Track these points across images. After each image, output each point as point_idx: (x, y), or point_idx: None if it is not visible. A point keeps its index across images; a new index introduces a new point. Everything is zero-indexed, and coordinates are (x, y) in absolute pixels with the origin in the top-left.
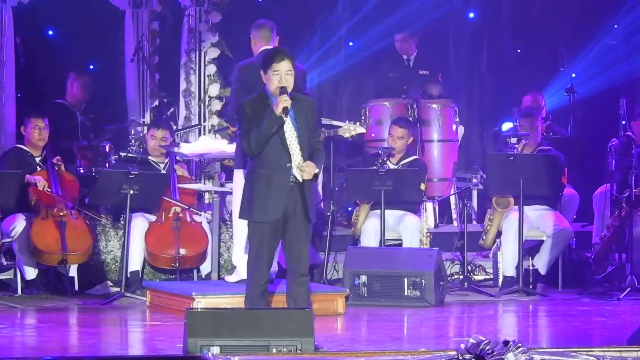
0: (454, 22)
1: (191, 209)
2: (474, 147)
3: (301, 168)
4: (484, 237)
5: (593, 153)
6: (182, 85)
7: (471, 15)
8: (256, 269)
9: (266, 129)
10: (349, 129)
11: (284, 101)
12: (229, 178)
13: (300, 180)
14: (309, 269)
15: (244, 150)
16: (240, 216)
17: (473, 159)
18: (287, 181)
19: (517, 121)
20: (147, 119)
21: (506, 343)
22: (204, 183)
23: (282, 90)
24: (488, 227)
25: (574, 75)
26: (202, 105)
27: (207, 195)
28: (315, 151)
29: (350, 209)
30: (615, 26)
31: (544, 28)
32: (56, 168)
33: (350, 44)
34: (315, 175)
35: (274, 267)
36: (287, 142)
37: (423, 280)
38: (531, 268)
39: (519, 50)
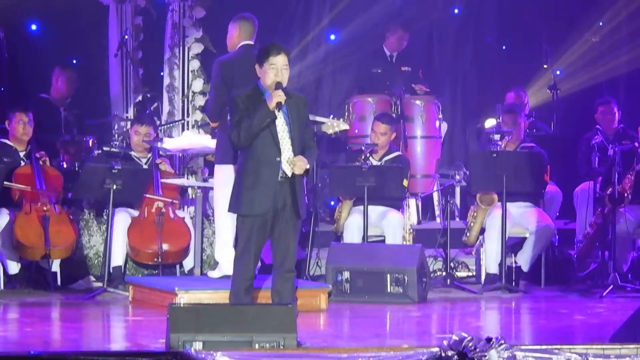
0: (438, 18)
1: (174, 201)
2: (457, 143)
3: (292, 162)
4: (467, 234)
5: (576, 150)
6: (166, 81)
7: (456, 11)
8: (242, 263)
9: (257, 123)
10: (333, 125)
11: (279, 96)
12: (212, 173)
13: (290, 175)
14: (295, 265)
15: (233, 142)
16: (229, 210)
17: (456, 155)
18: (276, 175)
19: (500, 117)
20: (131, 114)
21: (489, 340)
22: (187, 178)
23: (278, 86)
24: (471, 224)
25: (558, 72)
26: (186, 100)
27: (190, 190)
28: (308, 147)
29: (332, 203)
30: (601, 24)
31: (527, 24)
32: (41, 163)
33: (332, 37)
34: (307, 171)
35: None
36: (279, 136)
37: (406, 277)
38: (514, 265)
39: (504, 47)
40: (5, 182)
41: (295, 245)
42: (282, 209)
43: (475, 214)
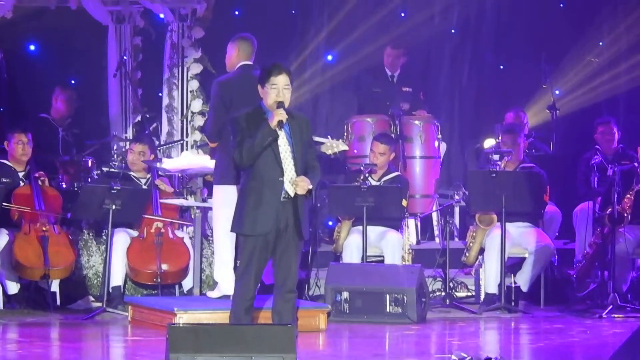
0: (436, 38)
1: (173, 221)
2: (456, 163)
3: (294, 183)
4: (467, 254)
5: (575, 170)
6: (165, 101)
7: (452, 31)
8: (243, 284)
9: (259, 142)
10: (332, 146)
11: (280, 114)
12: (211, 194)
13: (292, 195)
14: (296, 285)
15: (235, 162)
16: (232, 229)
17: (455, 175)
18: (279, 195)
19: (500, 137)
20: (130, 134)
21: None
22: (186, 198)
23: (279, 105)
24: (471, 244)
25: (557, 92)
26: (185, 120)
27: (191, 210)
28: (311, 168)
29: (331, 223)
30: (601, 44)
31: (526, 44)
32: (39, 183)
33: (329, 57)
34: (309, 191)
35: None
36: (281, 156)
37: (405, 297)
38: (513, 285)
39: (501, 67)
40: (4, 204)
41: (297, 265)
42: (285, 230)
43: (474, 234)
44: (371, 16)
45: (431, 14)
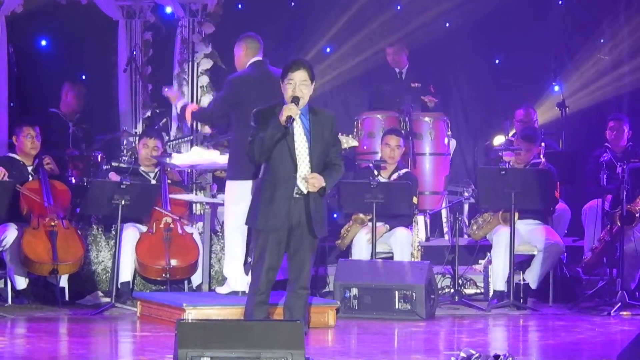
0: (443, 35)
1: (182, 219)
2: (465, 160)
3: (306, 179)
4: (475, 230)
5: (584, 168)
6: None
7: (447, 24)
8: (255, 278)
9: (269, 136)
10: (342, 142)
11: (289, 110)
12: (221, 189)
13: (305, 192)
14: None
15: (249, 156)
16: (246, 222)
17: (464, 172)
18: (292, 191)
19: (515, 141)
20: (139, 129)
21: (496, 357)
22: (196, 194)
23: (294, 100)
24: (481, 222)
25: (557, 88)
26: None
27: (198, 206)
28: (331, 165)
29: (335, 216)
30: (602, 40)
31: (535, 41)
32: (47, 168)
33: (328, 50)
34: (323, 189)
35: None
36: (296, 152)
37: (414, 294)
38: (522, 282)
39: (497, 61)
40: (17, 186)
41: (310, 262)
42: (297, 226)
43: (490, 219)
44: (369, 10)
45: (430, 8)
